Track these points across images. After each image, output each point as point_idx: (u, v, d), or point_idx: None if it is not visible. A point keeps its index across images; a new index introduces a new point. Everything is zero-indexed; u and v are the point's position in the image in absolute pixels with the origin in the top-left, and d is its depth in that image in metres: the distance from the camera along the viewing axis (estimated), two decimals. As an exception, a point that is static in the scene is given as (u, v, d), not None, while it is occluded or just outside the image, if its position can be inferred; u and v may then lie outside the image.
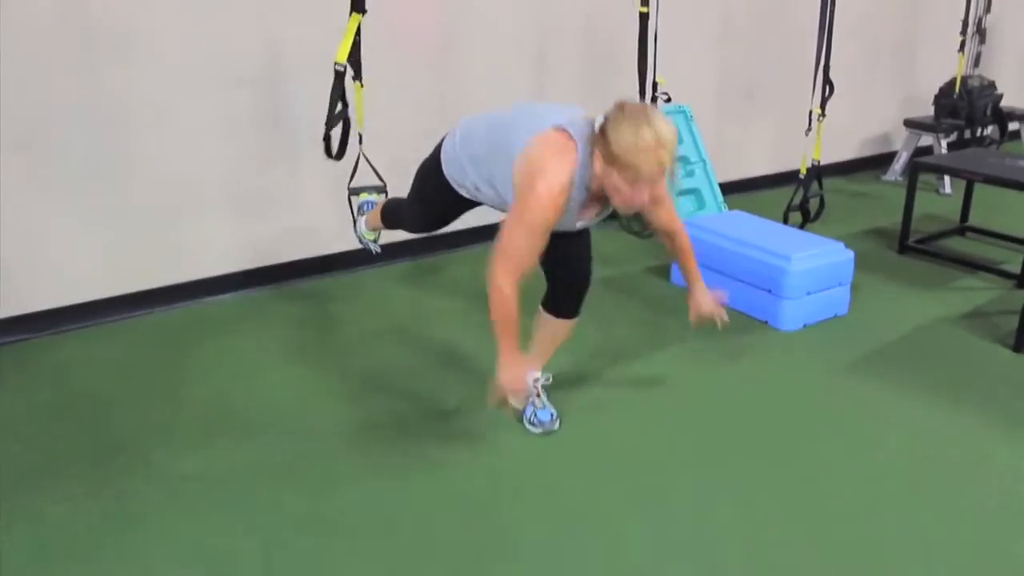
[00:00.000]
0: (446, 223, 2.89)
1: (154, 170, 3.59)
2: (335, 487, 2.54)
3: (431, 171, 2.68)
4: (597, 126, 2.25)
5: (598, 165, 2.25)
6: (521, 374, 2.35)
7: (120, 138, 3.49)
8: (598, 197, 2.40)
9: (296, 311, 3.76)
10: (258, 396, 3.03)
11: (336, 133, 3.35)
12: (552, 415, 2.83)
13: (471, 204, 2.70)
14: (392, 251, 4.07)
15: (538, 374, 2.84)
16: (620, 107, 2.23)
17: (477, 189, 2.56)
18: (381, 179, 3.46)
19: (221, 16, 3.58)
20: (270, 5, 3.70)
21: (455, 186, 2.61)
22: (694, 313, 2.79)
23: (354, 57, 3.23)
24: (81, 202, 3.47)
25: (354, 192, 3.46)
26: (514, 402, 2.39)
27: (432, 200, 2.76)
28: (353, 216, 3.45)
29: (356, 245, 3.56)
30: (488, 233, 2.54)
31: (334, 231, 3.94)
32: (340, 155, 3.36)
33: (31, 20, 3.21)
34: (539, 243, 2.30)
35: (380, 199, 3.40)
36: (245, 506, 2.45)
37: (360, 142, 3.40)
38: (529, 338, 2.75)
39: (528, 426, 2.82)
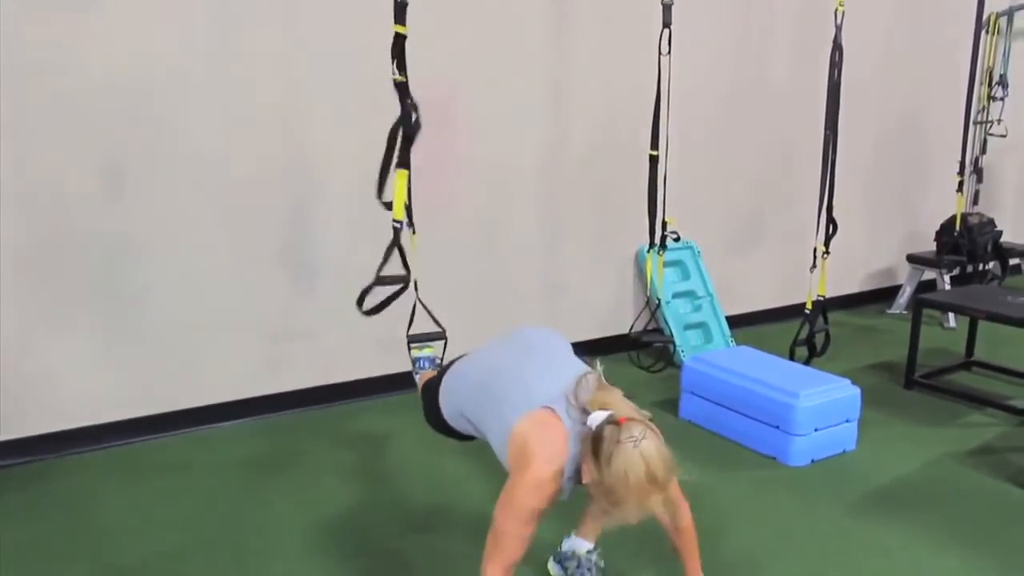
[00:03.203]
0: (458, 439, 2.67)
1: (166, 295, 3.69)
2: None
3: (433, 395, 2.62)
4: (593, 424, 2.06)
5: (587, 471, 2.07)
6: None
7: (131, 262, 3.59)
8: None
9: (306, 440, 3.80)
10: (271, 523, 3.05)
11: (379, 293, 3.09)
12: None
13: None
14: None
15: (590, 546, 2.73)
16: (618, 426, 2.02)
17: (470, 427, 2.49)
18: (439, 324, 3.22)
19: (246, 139, 3.77)
20: (297, 129, 3.88)
21: (451, 423, 2.57)
22: None
23: (408, 207, 3.12)
24: (89, 324, 3.55)
25: (412, 341, 3.21)
26: None
27: (439, 416, 2.62)
28: (413, 369, 3.23)
29: (360, 374, 3.48)
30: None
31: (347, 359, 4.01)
32: (375, 312, 3.09)
33: (51, 144, 3.38)
34: (531, 530, 2.16)
35: (436, 355, 3.17)
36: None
37: (416, 288, 3.20)
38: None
39: None
